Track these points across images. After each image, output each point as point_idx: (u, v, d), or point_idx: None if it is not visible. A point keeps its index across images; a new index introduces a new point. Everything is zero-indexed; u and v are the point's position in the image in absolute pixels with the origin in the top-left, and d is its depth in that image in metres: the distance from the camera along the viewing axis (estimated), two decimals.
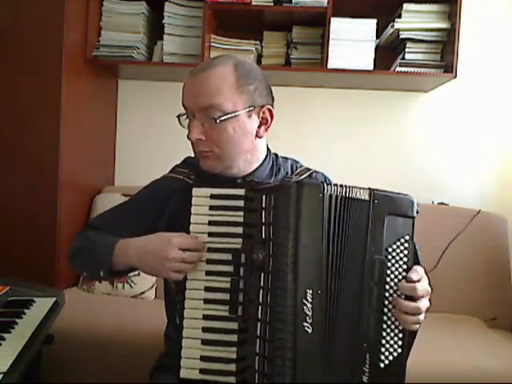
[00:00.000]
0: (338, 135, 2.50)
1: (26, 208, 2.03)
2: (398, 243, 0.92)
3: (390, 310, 0.91)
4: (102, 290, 2.12)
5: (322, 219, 0.89)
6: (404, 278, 0.92)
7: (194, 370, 0.92)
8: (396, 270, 0.92)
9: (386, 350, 0.90)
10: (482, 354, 1.73)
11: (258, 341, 0.89)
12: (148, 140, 2.57)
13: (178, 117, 1.08)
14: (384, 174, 2.45)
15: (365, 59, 2.14)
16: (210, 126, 1.02)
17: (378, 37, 2.18)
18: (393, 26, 2.14)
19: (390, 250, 0.92)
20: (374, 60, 2.15)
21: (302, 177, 1.15)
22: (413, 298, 0.90)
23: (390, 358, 0.90)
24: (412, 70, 2.15)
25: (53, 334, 1.29)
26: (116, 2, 2.25)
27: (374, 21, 2.14)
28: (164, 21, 2.24)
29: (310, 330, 0.87)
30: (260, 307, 0.90)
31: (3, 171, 2.05)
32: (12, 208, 2.04)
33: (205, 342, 0.92)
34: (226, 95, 1.01)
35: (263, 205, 0.92)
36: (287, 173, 1.16)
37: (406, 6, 2.14)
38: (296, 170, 1.18)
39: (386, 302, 0.91)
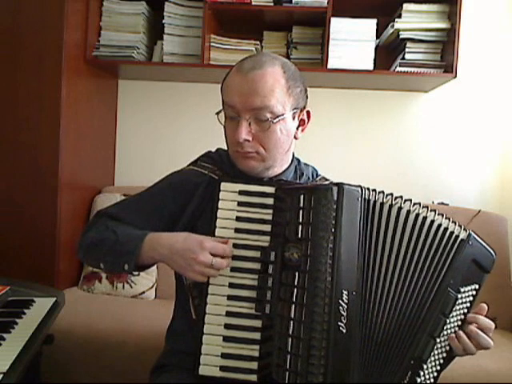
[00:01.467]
0: (337, 135, 2.51)
1: (26, 208, 2.03)
2: (469, 288, 0.95)
3: (441, 342, 0.93)
4: (102, 289, 2.12)
5: (360, 223, 0.91)
6: (461, 320, 0.95)
7: (214, 367, 0.92)
8: (459, 310, 0.95)
9: (424, 375, 0.92)
10: (481, 353, 1.72)
11: (290, 339, 0.89)
12: (148, 140, 2.57)
13: (218, 114, 1.06)
14: (384, 173, 2.45)
15: (365, 59, 2.14)
16: (259, 128, 1.01)
17: (378, 37, 2.18)
18: (393, 26, 2.14)
19: (462, 290, 0.94)
20: (374, 60, 2.15)
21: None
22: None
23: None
24: (412, 69, 2.15)
25: (53, 333, 1.29)
26: (116, 2, 2.26)
27: (374, 21, 2.14)
28: (164, 21, 2.24)
29: (344, 330, 0.88)
30: (293, 306, 0.90)
31: (3, 171, 2.05)
32: (12, 208, 2.04)
33: (227, 338, 0.92)
34: (277, 97, 1.00)
35: (301, 204, 0.92)
36: (309, 178, 1.17)
37: (405, 5, 2.14)
38: (316, 177, 1.19)
39: (441, 334, 0.93)
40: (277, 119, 1.00)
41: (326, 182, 1.17)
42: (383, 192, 0.93)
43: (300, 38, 2.25)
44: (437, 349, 0.93)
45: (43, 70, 2.01)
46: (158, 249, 0.99)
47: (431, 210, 0.94)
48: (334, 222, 0.89)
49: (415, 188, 2.39)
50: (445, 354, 0.94)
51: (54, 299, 1.35)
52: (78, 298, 2.03)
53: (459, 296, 0.94)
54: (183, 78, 2.45)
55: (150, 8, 2.30)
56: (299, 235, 0.91)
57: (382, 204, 0.92)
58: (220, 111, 1.06)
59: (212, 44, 2.22)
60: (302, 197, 0.92)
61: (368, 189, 0.93)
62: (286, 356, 0.89)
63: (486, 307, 0.97)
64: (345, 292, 0.88)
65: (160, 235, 1.01)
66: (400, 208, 0.92)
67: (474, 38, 2.39)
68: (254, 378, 0.91)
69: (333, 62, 2.13)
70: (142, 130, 2.57)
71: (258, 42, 2.27)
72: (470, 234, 0.95)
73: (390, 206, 0.92)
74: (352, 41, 2.13)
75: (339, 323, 0.87)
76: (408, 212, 0.92)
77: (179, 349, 1.10)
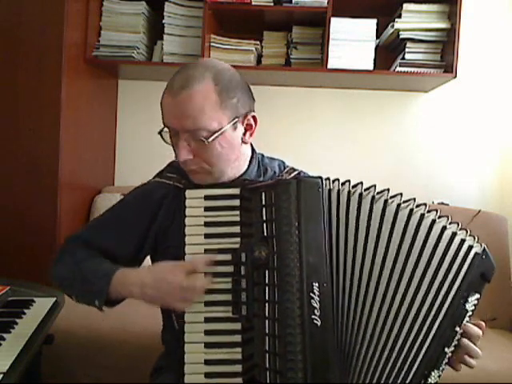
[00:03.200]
0: (337, 135, 2.51)
1: (26, 208, 2.03)
2: (474, 298, 0.93)
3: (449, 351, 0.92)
4: None
5: (323, 213, 0.89)
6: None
7: (199, 374, 0.91)
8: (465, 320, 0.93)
9: (431, 379, 0.91)
10: (481, 354, 1.72)
11: (266, 338, 0.89)
12: (148, 140, 2.56)
13: (160, 133, 1.03)
14: (384, 173, 2.45)
15: (365, 59, 2.14)
16: (198, 146, 0.99)
17: (378, 37, 2.19)
18: (393, 26, 2.14)
19: (469, 300, 0.92)
20: (374, 60, 2.15)
21: (291, 175, 1.14)
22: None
23: None
24: (412, 69, 2.15)
25: (53, 333, 1.29)
26: (116, 2, 2.26)
27: (374, 21, 2.14)
28: (164, 21, 2.24)
29: (318, 323, 0.87)
30: (267, 304, 0.90)
31: (3, 171, 2.05)
32: (12, 208, 2.04)
33: (208, 345, 0.92)
34: (210, 115, 0.97)
35: (263, 202, 0.92)
36: (275, 172, 1.15)
37: (406, 5, 2.14)
38: (284, 169, 1.17)
39: (452, 345, 0.92)
40: (212, 137, 0.97)
41: (294, 174, 1.15)
42: (349, 181, 0.92)
43: (300, 38, 2.25)
44: (447, 357, 0.92)
45: (43, 70, 2.01)
46: (127, 286, 0.98)
47: (419, 205, 0.91)
48: (296, 215, 0.89)
49: (415, 188, 2.39)
50: (447, 360, 0.93)
51: (54, 299, 1.35)
52: None
53: (467, 306, 0.92)
54: None
55: (149, 8, 2.30)
56: (265, 233, 0.91)
57: (348, 193, 0.91)
58: (162, 129, 1.03)
59: (212, 44, 2.22)
60: (263, 194, 0.92)
61: (328, 179, 0.92)
62: (265, 355, 0.89)
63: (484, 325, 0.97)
64: (315, 284, 0.87)
65: (127, 273, 1.00)
66: (373, 197, 0.90)
67: (474, 38, 2.39)
68: (239, 380, 0.90)
69: (333, 62, 2.13)
70: (142, 130, 2.57)
71: (258, 42, 2.27)
72: (484, 249, 0.92)
73: (361, 195, 0.90)
74: (352, 41, 2.14)
75: (313, 316, 0.87)
76: (398, 206, 0.90)
77: (174, 352, 1.10)
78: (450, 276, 0.90)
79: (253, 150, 1.15)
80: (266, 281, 0.90)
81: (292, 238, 0.88)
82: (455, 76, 2.09)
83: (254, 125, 1.06)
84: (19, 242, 2.04)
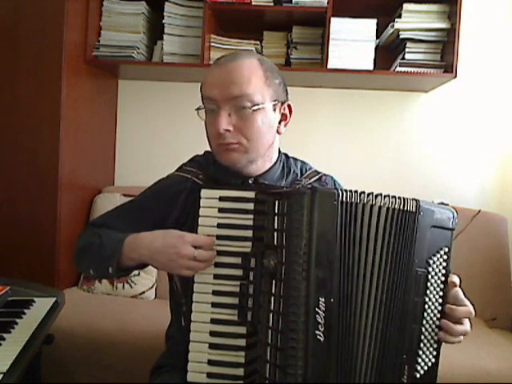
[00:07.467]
0: (337, 135, 2.51)
1: (26, 208, 2.03)
2: (438, 255, 0.92)
3: (427, 322, 0.91)
4: (102, 289, 2.12)
5: (336, 227, 0.87)
6: (442, 290, 0.92)
7: (201, 373, 0.91)
8: (435, 282, 0.92)
9: (423, 360, 0.90)
10: (481, 353, 1.73)
11: (268, 348, 0.88)
12: (148, 140, 2.57)
13: (198, 110, 1.06)
14: (384, 173, 2.45)
15: (365, 59, 2.14)
16: (240, 117, 1.01)
17: (377, 37, 2.18)
18: (393, 26, 2.14)
19: (430, 261, 0.91)
20: (374, 60, 2.15)
21: (312, 180, 1.14)
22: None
23: (425, 367, 0.91)
24: (412, 69, 2.15)
25: (53, 333, 1.29)
26: (116, 2, 2.26)
27: (374, 21, 2.14)
28: (164, 21, 2.24)
29: (322, 339, 0.86)
30: (271, 315, 0.89)
31: (3, 171, 2.05)
32: (12, 208, 2.04)
33: (212, 346, 0.92)
34: (256, 86, 1.01)
35: (276, 210, 0.90)
36: (297, 174, 1.15)
37: (406, 5, 2.14)
38: (305, 172, 1.17)
39: (425, 314, 0.91)
40: (256, 107, 1.01)
41: (314, 178, 1.15)
42: (364, 192, 0.90)
43: (300, 38, 2.25)
44: (425, 332, 0.91)
45: (43, 70, 2.01)
46: (137, 249, 1.00)
47: (392, 197, 0.89)
48: (308, 228, 0.86)
49: (415, 188, 2.39)
50: (436, 337, 0.92)
51: (54, 299, 1.35)
52: (78, 298, 2.02)
53: (430, 269, 0.91)
54: (183, 77, 2.45)
55: (149, 8, 2.30)
56: (275, 242, 0.90)
57: (363, 205, 0.89)
58: (199, 107, 1.07)
59: (212, 44, 2.22)
60: (276, 203, 0.90)
61: (346, 191, 0.89)
62: (265, 364, 0.89)
63: (458, 279, 0.94)
64: (321, 299, 0.86)
65: (138, 235, 1.01)
66: (380, 207, 0.88)
67: (474, 38, 2.39)
68: (240, 383, 0.91)
69: (333, 62, 2.13)
70: (142, 130, 2.57)
71: (258, 42, 2.27)
72: (418, 205, 0.90)
73: (372, 206, 0.88)
74: (352, 41, 2.13)
75: (316, 332, 0.85)
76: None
77: (177, 350, 1.10)
78: (401, 251, 0.89)
79: (279, 150, 1.15)
80: (272, 291, 0.89)
81: (301, 251, 0.87)
82: (455, 76, 2.09)
83: (288, 115, 1.10)
84: (19, 242, 2.03)
